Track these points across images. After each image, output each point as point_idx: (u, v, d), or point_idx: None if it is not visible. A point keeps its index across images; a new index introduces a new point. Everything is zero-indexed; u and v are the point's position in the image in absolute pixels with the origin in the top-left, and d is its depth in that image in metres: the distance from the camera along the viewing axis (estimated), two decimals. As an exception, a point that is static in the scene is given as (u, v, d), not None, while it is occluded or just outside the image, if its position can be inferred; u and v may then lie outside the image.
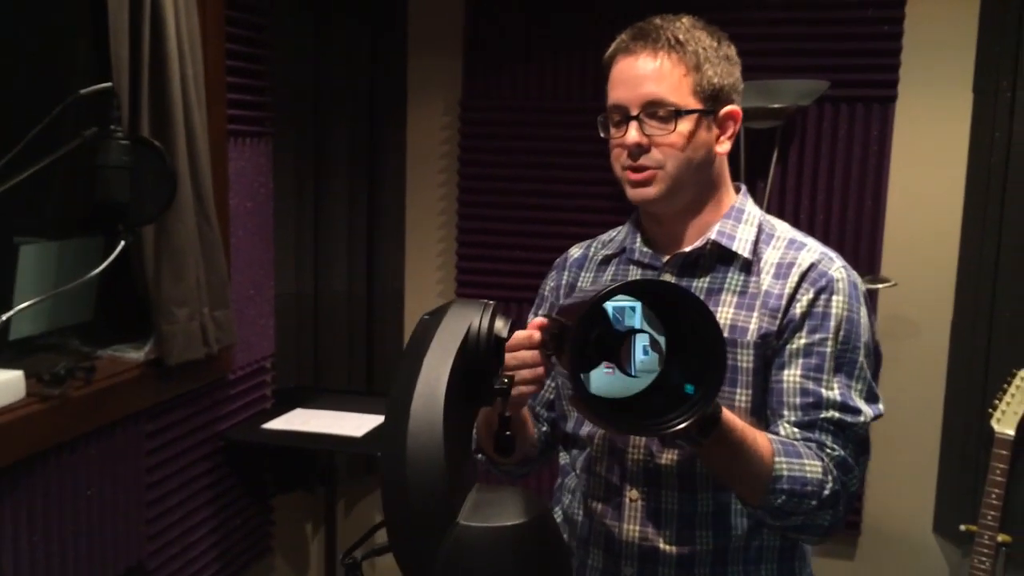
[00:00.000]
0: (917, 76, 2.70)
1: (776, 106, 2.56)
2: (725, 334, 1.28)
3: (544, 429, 1.56)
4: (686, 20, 1.36)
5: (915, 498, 2.80)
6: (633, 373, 1.08)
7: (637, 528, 1.38)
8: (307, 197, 2.99)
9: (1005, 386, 2.54)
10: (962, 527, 2.62)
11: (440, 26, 3.06)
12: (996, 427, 2.51)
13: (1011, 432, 2.49)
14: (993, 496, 2.47)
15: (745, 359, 1.33)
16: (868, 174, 2.74)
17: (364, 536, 1.15)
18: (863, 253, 2.75)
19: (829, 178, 2.77)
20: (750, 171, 2.71)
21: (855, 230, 2.76)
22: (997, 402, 2.54)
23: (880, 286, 2.61)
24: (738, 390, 1.33)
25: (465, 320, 0.98)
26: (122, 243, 1.59)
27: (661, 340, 1.09)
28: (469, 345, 0.96)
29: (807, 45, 2.74)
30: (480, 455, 1.46)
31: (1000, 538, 2.49)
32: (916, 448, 2.77)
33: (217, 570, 2.62)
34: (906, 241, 2.75)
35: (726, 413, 1.17)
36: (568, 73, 2.95)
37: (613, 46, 1.38)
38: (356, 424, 2.66)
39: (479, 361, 0.96)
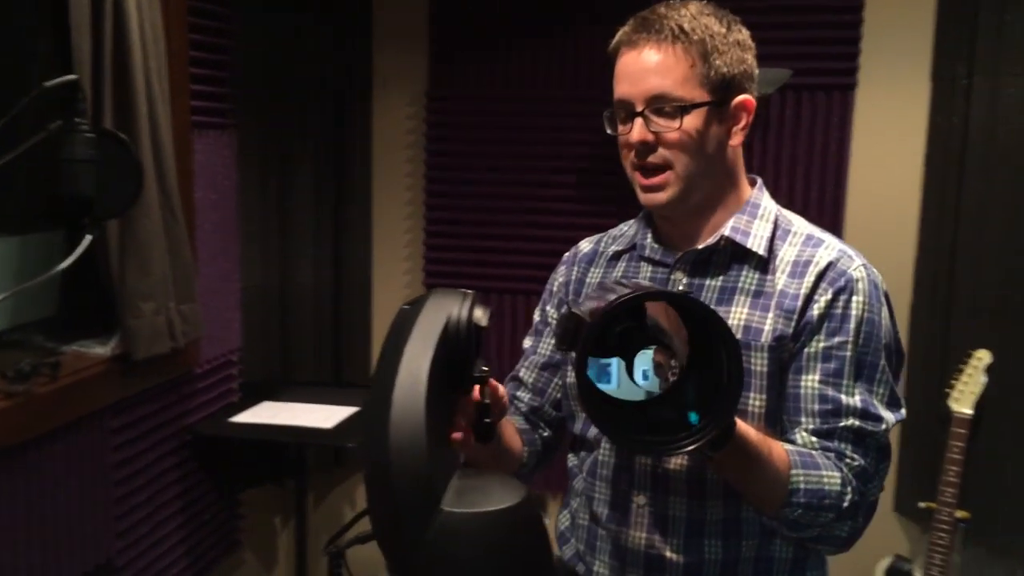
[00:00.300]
0: (876, 64, 2.74)
1: (739, 95, 2.58)
2: (739, 335, 1.25)
3: (546, 434, 1.51)
4: (693, 6, 1.29)
5: (877, 478, 2.86)
6: (638, 385, 1.04)
7: (644, 535, 1.33)
8: (272, 189, 2.97)
9: (962, 367, 2.61)
10: (921, 505, 2.69)
11: (405, 16, 3.06)
12: (954, 407, 2.58)
13: (968, 411, 2.56)
14: (951, 474, 2.54)
15: (759, 362, 1.26)
16: (829, 161, 2.79)
17: (347, 525, 1.15)
18: (825, 239, 2.79)
19: (792, 165, 2.81)
20: (714, 159, 2.74)
21: (818, 216, 2.80)
22: (954, 382, 2.60)
23: (842, 271, 2.66)
24: (752, 394, 1.27)
25: (445, 309, 0.99)
26: (88, 237, 1.58)
27: (680, 353, 1.04)
28: (449, 334, 0.97)
29: (769, 34, 2.75)
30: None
31: (958, 514, 2.56)
32: (877, 429, 2.82)
33: (186, 565, 2.60)
34: (867, 226, 2.80)
35: (740, 424, 1.12)
36: (534, 63, 2.95)
37: (616, 38, 1.32)
38: (325, 416, 2.66)
39: (459, 350, 0.97)
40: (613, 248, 1.45)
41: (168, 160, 2.27)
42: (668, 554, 1.31)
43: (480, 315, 1.00)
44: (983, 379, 2.56)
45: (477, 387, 1.04)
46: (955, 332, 2.70)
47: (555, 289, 1.53)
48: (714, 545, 1.30)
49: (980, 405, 2.57)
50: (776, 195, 2.76)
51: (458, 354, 0.97)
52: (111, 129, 2.01)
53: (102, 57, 2.05)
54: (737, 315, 1.29)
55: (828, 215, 2.80)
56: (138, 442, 2.37)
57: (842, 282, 1.26)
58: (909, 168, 2.76)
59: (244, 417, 2.66)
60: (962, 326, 2.69)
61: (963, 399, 2.57)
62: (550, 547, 1.03)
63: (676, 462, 1.30)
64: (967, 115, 2.65)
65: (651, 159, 1.28)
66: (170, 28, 2.33)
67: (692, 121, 1.25)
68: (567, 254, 1.54)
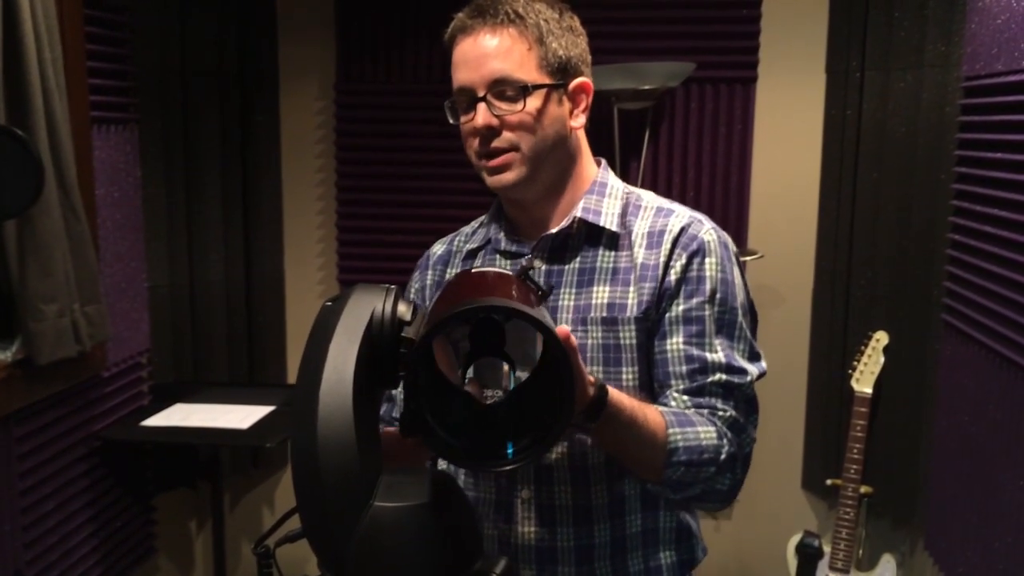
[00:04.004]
0: (775, 59, 2.84)
1: (646, 87, 2.64)
2: (603, 314, 1.29)
3: None
4: None
5: (784, 457, 2.97)
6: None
7: (533, 529, 1.33)
8: (178, 185, 2.89)
9: (862, 348, 2.73)
10: (828, 482, 2.80)
11: (311, 6, 3.01)
12: (855, 387, 2.70)
13: (868, 391, 2.68)
14: (855, 451, 2.65)
15: (628, 336, 1.30)
16: (733, 152, 2.88)
17: (276, 523, 1.14)
18: (731, 227, 2.88)
19: (698, 156, 2.89)
20: (624, 151, 2.80)
21: (723, 205, 2.88)
22: (855, 363, 2.72)
23: (748, 258, 2.75)
24: (624, 368, 1.30)
25: (368, 305, 0.98)
26: (-13, 239, 1.52)
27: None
28: (373, 329, 0.97)
29: (673, 28, 2.84)
30: None
31: (863, 490, 2.68)
32: (783, 410, 2.93)
33: (99, 574, 2.53)
34: (769, 215, 2.90)
35: (613, 393, 1.14)
36: (444, 53, 2.94)
37: (451, 26, 1.33)
38: (241, 416, 2.61)
39: (384, 345, 0.97)
40: (468, 247, 1.44)
41: (67, 156, 2.19)
42: (560, 543, 1.32)
43: (404, 310, 1.00)
44: (882, 359, 2.69)
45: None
46: (855, 315, 2.82)
47: (412, 297, 1.48)
48: (603, 528, 1.32)
49: (879, 384, 2.70)
50: (684, 186, 2.88)
51: (382, 349, 0.97)
52: (7, 125, 1.94)
53: (-7, 50, 1.97)
54: (600, 295, 1.31)
55: (733, 206, 2.88)
56: (45, 450, 2.29)
57: (695, 246, 1.30)
58: (808, 159, 2.87)
59: (156, 420, 2.60)
60: (861, 309, 2.81)
61: (864, 379, 2.69)
62: (482, 537, 1.05)
63: (558, 451, 1.31)
64: (860, 107, 2.77)
65: (496, 144, 1.28)
66: (65, 19, 2.25)
67: (534, 102, 1.27)
68: (420, 259, 1.51)
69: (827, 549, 2.71)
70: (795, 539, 2.78)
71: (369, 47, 2.99)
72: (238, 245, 3.03)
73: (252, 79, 2.99)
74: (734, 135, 2.87)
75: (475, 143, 1.31)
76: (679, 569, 1.38)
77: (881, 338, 2.70)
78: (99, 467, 2.53)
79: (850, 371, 2.73)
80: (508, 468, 0.93)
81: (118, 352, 2.58)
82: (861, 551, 2.76)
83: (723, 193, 2.89)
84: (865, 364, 2.70)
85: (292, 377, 3.14)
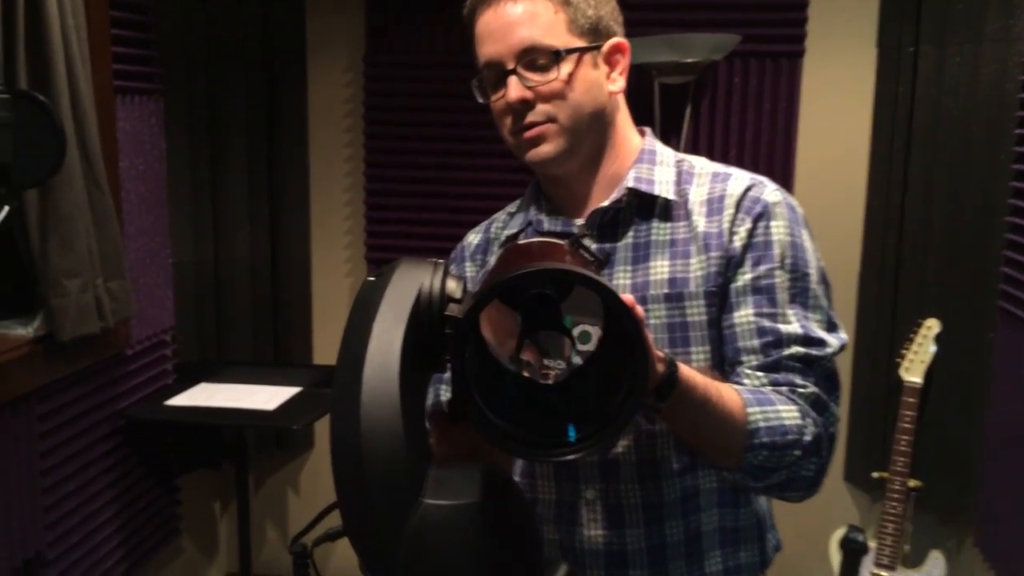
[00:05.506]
0: (823, 32, 2.72)
1: (689, 60, 2.54)
2: (665, 290, 1.19)
3: None
4: None
5: (826, 448, 2.87)
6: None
7: (600, 532, 1.23)
8: (203, 158, 2.82)
9: (912, 336, 2.61)
10: (874, 475, 2.69)
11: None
12: (904, 376, 2.58)
13: (918, 380, 2.56)
14: (903, 443, 2.54)
15: (696, 312, 1.19)
16: (778, 130, 2.76)
17: (313, 521, 1.06)
18: (774, 208, 2.77)
19: (741, 134, 2.78)
20: (664, 127, 2.69)
21: (767, 185, 2.77)
22: (904, 352, 2.60)
23: (793, 240, 2.64)
24: (693, 348, 1.19)
25: (415, 281, 0.89)
26: (6, 208, 1.45)
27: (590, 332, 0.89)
28: (421, 307, 0.88)
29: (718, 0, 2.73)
30: None
31: (911, 483, 2.56)
32: (826, 399, 2.82)
33: (122, 556, 2.48)
34: (815, 196, 2.77)
35: (683, 370, 1.03)
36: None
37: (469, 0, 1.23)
38: (266, 397, 2.55)
39: (431, 325, 0.88)
40: (507, 232, 1.35)
41: (90, 126, 2.13)
42: (630, 545, 1.23)
43: (453, 287, 0.91)
44: (932, 348, 2.57)
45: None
46: (904, 301, 2.71)
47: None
48: (675, 526, 1.23)
49: (930, 374, 2.58)
50: (726, 162, 2.74)
51: (431, 329, 0.88)
52: (29, 90, 1.87)
53: (14, 15, 1.90)
54: (659, 270, 1.22)
55: (778, 183, 2.76)
56: (67, 428, 2.23)
57: (759, 208, 1.20)
58: (857, 137, 2.76)
59: (180, 400, 2.54)
60: (911, 294, 2.70)
61: (913, 368, 2.57)
62: (539, 531, 0.96)
63: (624, 445, 1.21)
64: (913, 83, 2.65)
65: (531, 118, 1.20)
66: (89, -15, 2.18)
67: (568, 68, 1.18)
68: (454, 252, 1.41)
69: (871, 544, 2.61)
70: (838, 533, 2.68)
71: (399, 18, 2.90)
72: (264, 221, 2.96)
73: (279, 50, 2.91)
74: (779, 112, 2.75)
75: (508, 121, 1.22)
76: (760, 568, 1.29)
77: (932, 326, 2.58)
78: (122, 447, 2.47)
79: (898, 360, 2.61)
80: (572, 456, 0.82)
81: (142, 329, 2.52)
82: (907, 547, 2.65)
83: (767, 172, 2.70)
84: (915, 353, 2.58)
85: (317, 357, 3.07)
